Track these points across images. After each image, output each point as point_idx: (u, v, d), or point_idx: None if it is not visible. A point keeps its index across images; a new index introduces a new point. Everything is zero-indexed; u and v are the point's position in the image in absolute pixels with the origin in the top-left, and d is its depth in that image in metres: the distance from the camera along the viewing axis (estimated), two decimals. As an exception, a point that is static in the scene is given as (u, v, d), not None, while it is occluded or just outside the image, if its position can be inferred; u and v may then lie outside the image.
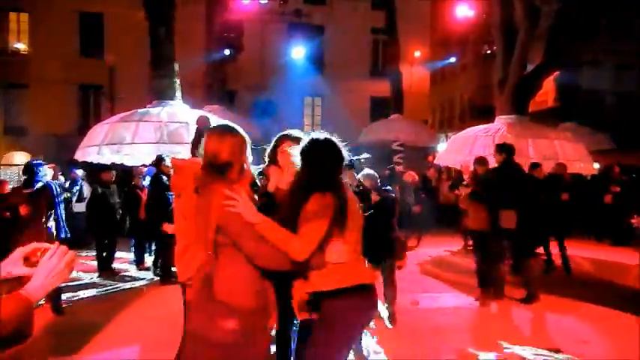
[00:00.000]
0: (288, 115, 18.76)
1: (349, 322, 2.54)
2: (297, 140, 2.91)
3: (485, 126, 11.37)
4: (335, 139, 2.67)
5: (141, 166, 9.17)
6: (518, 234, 6.31)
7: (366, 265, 2.68)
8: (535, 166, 8.05)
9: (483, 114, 18.09)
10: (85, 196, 9.36)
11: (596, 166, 12.45)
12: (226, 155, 2.36)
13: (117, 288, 7.20)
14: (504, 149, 6.63)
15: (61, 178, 8.98)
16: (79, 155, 9.51)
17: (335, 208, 2.45)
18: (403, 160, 16.35)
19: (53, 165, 9.18)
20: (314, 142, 2.62)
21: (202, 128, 4.94)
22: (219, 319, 2.23)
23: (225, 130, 2.48)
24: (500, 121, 11.22)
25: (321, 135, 2.67)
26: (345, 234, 2.50)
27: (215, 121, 9.10)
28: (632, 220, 8.67)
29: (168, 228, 5.31)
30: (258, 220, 2.32)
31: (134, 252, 8.57)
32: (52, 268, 1.44)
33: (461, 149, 10.88)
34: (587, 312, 6.12)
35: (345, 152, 2.66)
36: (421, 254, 9.78)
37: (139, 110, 9.82)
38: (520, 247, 6.59)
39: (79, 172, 9.79)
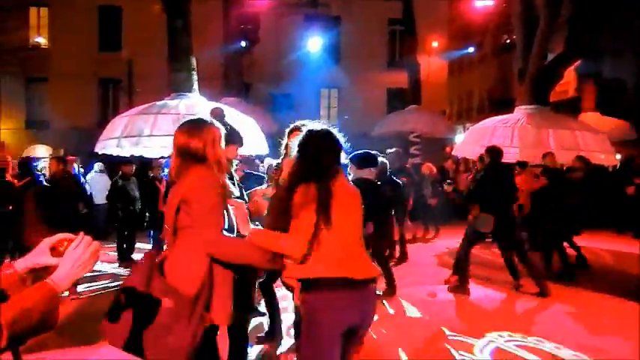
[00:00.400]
0: (304, 107, 18.76)
1: (321, 316, 2.42)
2: None
3: (505, 116, 11.22)
4: (333, 130, 2.64)
5: (159, 158, 9.27)
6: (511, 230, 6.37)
7: (363, 260, 2.53)
8: (545, 155, 7.96)
9: (502, 105, 17.88)
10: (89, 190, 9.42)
11: (618, 156, 12.22)
12: (195, 148, 2.42)
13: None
14: (490, 152, 6.62)
15: (81, 170, 9.14)
16: (99, 148, 9.63)
17: (319, 198, 2.40)
18: (420, 152, 16.25)
19: (74, 157, 9.37)
20: (309, 134, 2.60)
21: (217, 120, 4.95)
22: (156, 293, 2.24)
23: (194, 124, 2.53)
24: (520, 112, 11.07)
25: (318, 126, 2.66)
26: (330, 225, 2.41)
27: (231, 113, 9.15)
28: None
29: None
30: (248, 231, 2.40)
31: (153, 243, 8.67)
32: (77, 258, 1.47)
33: (479, 140, 10.75)
34: (603, 304, 6.05)
35: (342, 143, 2.62)
36: (438, 246, 9.74)
37: (157, 103, 9.90)
38: (518, 243, 6.60)
39: (97, 166, 9.91)
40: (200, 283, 2.31)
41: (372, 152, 5.50)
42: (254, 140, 9.26)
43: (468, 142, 11.63)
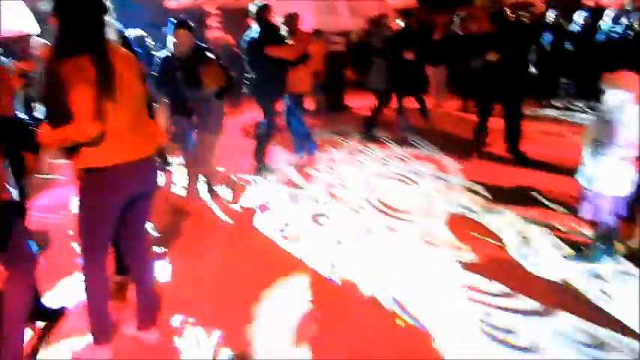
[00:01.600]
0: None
1: (95, 191, 2.37)
2: None
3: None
4: None
5: None
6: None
7: (147, 133, 2.43)
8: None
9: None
10: None
11: (402, 24, 13.26)
12: None
13: None
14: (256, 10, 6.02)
15: None
16: None
17: (97, 70, 2.12)
18: (220, 24, 15.53)
19: None
20: None
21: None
22: None
23: None
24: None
25: None
26: (114, 101, 2.20)
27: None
28: (428, 72, 9.79)
29: None
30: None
31: None
32: None
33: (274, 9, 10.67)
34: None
35: (109, 4, 2.25)
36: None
37: None
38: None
39: None
40: None
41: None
42: (19, 17, 7.85)
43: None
